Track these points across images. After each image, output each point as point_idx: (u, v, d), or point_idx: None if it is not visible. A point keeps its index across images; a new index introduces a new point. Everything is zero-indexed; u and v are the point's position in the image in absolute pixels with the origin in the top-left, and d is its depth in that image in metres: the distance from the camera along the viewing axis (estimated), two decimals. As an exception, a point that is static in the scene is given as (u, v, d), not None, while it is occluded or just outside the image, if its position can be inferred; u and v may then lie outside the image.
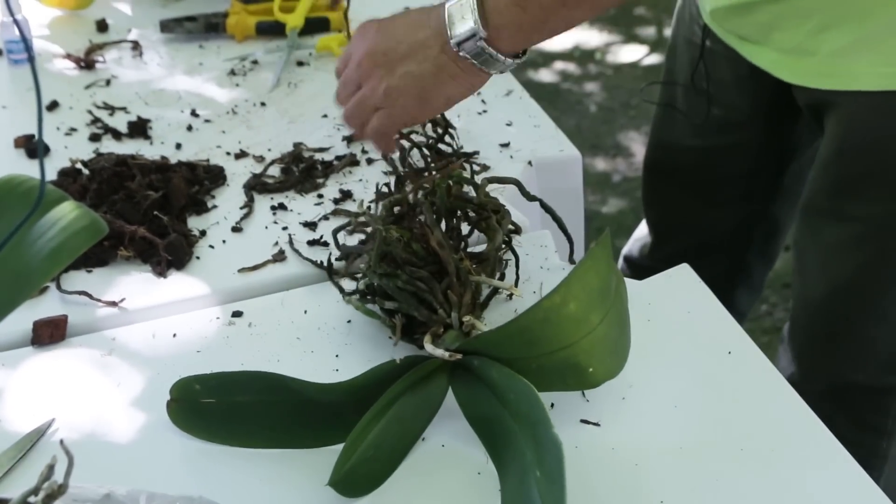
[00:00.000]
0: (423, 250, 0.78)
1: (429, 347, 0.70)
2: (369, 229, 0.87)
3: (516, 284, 0.84)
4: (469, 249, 0.84)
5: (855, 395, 1.13)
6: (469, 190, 0.84)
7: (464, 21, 0.79)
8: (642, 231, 1.39)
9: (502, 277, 0.84)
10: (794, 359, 1.15)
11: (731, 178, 1.23)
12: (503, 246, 0.83)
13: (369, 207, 0.89)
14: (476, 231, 0.84)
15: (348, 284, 0.85)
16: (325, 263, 0.87)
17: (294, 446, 0.70)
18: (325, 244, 0.91)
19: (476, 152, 1.04)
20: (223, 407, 0.70)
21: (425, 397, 0.70)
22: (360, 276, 0.83)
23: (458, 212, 0.83)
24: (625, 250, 1.43)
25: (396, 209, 0.82)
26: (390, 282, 0.76)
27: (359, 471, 0.66)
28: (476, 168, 1.01)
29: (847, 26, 0.93)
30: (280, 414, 0.70)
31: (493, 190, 0.91)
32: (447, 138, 1.03)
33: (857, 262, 1.04)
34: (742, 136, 1.18)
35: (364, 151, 1.05)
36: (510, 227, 0.85)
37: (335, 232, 0.87)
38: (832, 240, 1.05)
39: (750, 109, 1.14)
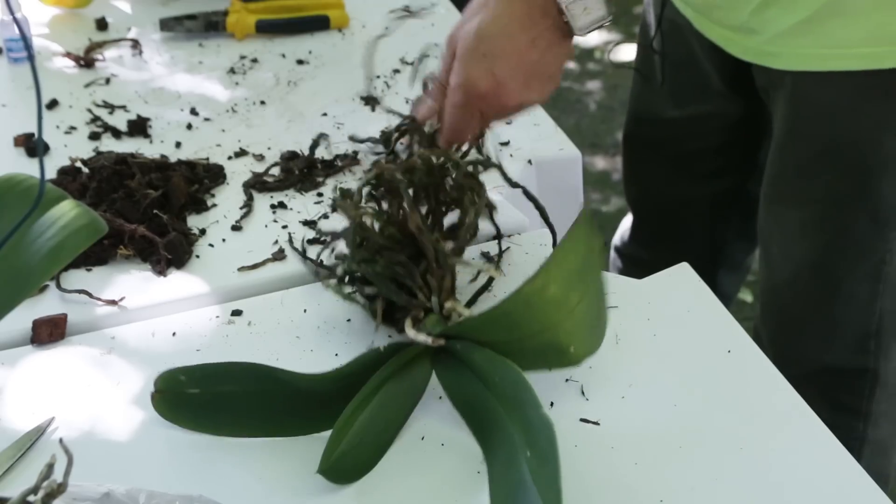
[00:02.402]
0: (400, 233, 0.77)
1: (410, 332, 0.70)
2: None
3: (497, 267, 0.83)
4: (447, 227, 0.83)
5: (828, 377, 1.12)
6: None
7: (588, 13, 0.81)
8: (627, 221, 1.40)
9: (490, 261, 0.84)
10: (767, 346, 1.14)
11: (706, 151, 1.23)
12: (477, 222, 0.82)
13: (346, 191, 0.87)
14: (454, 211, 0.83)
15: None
16: (301, 249, 0.85)
17: (281, 434, 0.71)
18: (325, 243, 0.91)
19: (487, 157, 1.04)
20: (208, 397, 0.71)
21: (409, 383, 0.71)
22: (338, 261, 0.82)
23: (434, 190, 0.82)
24: (614, 240, 1.44)
25: (367, 189, 0.80)
26: (369, 267, 0.76)
27: (347, 458, 0.67)
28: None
29: (789, 6, 0.92)
30: (266, 403, 0.71)
31: (492, 188, 0.91)
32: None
33: (821, 243, 1.04)
34: (718, 105, 1.17)
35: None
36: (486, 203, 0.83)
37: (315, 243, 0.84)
38: (795, 223, 1.05)
39: (720, 81, 1.14)
